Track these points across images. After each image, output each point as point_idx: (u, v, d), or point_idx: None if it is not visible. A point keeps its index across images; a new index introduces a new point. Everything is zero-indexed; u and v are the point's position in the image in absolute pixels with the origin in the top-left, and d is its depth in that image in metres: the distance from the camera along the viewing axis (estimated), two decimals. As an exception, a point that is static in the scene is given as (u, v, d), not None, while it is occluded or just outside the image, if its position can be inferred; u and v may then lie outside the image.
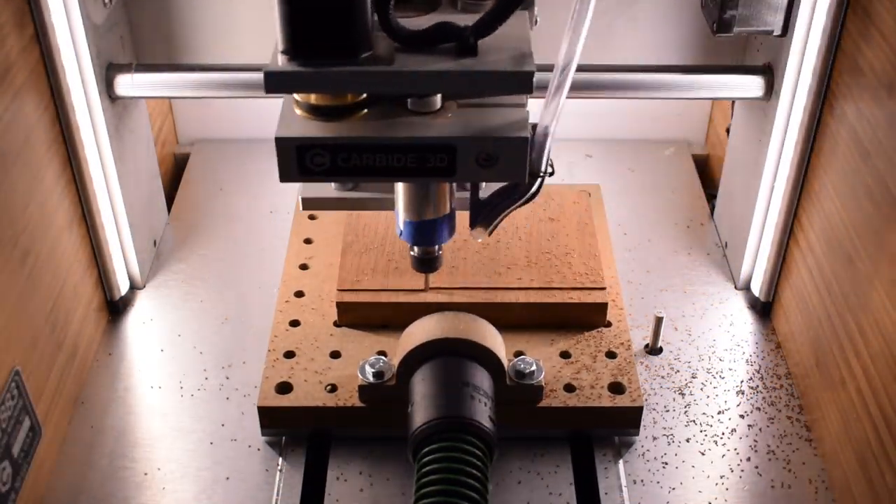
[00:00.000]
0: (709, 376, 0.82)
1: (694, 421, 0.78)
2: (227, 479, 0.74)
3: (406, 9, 0.62)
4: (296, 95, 0.59)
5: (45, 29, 0.73)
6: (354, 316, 0.80)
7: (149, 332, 0.86)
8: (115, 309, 0.88)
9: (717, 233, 0.98)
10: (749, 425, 0.78)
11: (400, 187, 0.67)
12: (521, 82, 0.57)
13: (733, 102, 0.94)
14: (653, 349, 0.84)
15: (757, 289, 0.88)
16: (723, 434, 0.77)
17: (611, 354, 0.78)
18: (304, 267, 0.87)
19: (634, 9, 0.87)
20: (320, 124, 0.59)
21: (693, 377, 0.81)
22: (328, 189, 0.71)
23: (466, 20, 0.58)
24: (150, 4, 0.86)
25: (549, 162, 0.61)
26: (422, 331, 0.72)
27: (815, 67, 0.75)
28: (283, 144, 0.58)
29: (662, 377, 0.81)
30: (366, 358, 0.74)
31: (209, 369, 0.82)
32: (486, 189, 0.67)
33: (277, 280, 0.86)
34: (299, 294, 0.84)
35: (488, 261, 0.83)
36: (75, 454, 0.75)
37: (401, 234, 0.70)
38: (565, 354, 0.78)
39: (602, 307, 0.80)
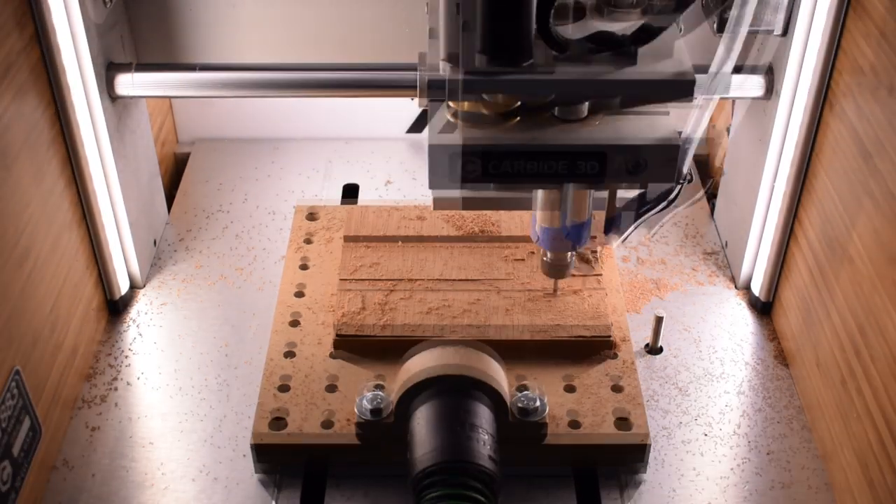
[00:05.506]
0: (709, 376, 0.82)
1: (694, 421, 0.78)
2: (228, 478, 0.74)
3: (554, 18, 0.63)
4: (450, 102, 0.60)
5: (46, 28, 0.73)
6: (351, 346, 0.78)
7: (149, 332, 0.86)
8: (115, 309, 0.88)
9: (717, 233, 0.98)
10: (749, 425, 0.78)
11: (539, 194, 0.67)
12: (684, 89, 0.58)
13: (733, 102, 0.94)
14: (653, 349, 0.84)
15: (757, 289, 0.88)
16: (723, 434, 0.77)
17: (617, 388, 0.76)
18: (299, 295, 0.84)
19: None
20: (474, 131, 0.59)
21: (693, 377, 0.81)
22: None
23: (615, 28, 0.59)
24: (150, 4, 0.86)
25: (689, 169, 0.62)
26: (421, 365, 0.70)
27: (815, 67, 0.75)
28: (436, 151, 0.58)
29: (663, 377, 0.81)
30: (363, 389, 0.71)
31: (209, 369, 0.82)
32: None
33: (278, 280, 0.86)
34: (294, 323, 0.81)
35: (490, 291, 0.81)
36: (75, 454, 0.76)
37: (537, 241, 0.70)
38: (570, 388, 0.76)
39: (607, 341, 0.78)
